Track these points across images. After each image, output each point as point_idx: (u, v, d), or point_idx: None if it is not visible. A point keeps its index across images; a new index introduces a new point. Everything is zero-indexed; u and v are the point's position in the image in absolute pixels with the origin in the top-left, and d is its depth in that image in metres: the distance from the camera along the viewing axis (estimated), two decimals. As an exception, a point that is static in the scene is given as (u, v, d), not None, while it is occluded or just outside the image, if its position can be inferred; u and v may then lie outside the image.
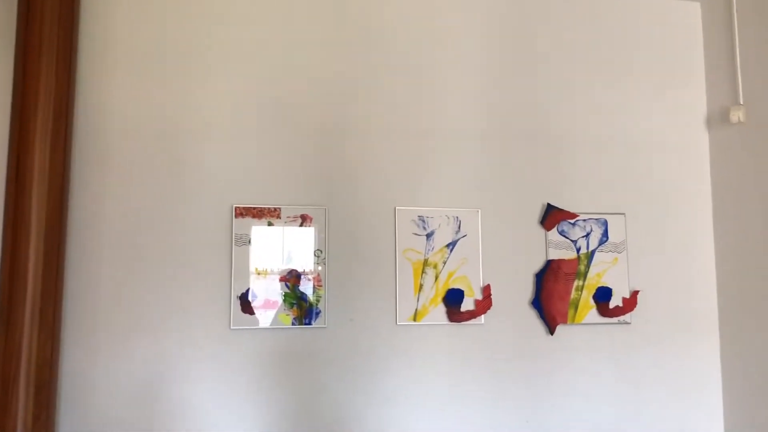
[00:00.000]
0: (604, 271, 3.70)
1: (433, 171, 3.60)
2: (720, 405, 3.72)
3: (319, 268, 3.41)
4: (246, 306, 3.31)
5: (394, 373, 3.43)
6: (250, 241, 3.35)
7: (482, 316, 3.54)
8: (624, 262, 3.73)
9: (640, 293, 3.71)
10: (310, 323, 3.37)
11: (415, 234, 3.53)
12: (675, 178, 3.86)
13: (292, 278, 3.38)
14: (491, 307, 3.55)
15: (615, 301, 3.69)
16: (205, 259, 3.32)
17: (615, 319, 3.68)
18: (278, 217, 3.40)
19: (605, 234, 3.72)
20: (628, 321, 3.69)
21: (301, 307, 3.37)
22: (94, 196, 3.26)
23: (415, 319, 3.47)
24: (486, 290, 3.55)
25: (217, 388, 3.26)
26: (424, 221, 3.54)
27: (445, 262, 3.54)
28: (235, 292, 3.31)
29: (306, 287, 3.39)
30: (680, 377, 3.71)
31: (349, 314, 3.43)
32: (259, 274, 3.35)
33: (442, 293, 3.51)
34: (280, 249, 3.39)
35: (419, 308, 3.48)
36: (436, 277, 3.52)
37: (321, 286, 3.41)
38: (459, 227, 3.57)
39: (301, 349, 3.36)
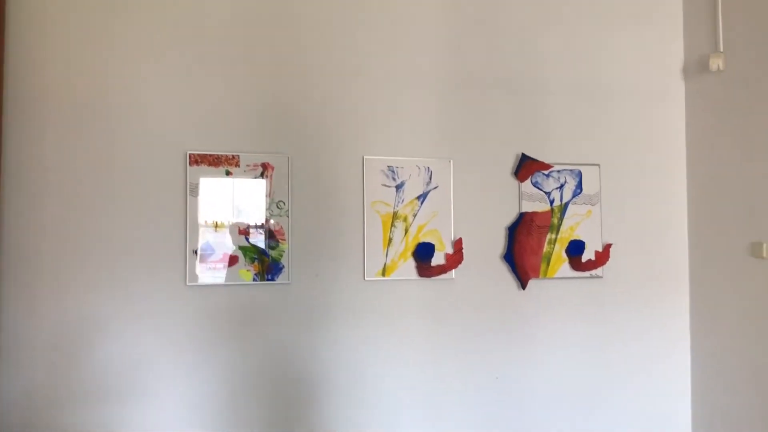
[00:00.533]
0: (577, 224, 3.58)
1: (403, 119, 3.38)
2: (688, 359, 3.70)
3: (282, 220, 3.19)
4: (203, 261, 3.08)
5: (361, 329, 3.27)
6: (204, 192, 3.10)
7: (453, 270, 3.38)
8: (597, 214, 3.61)
9: (612, 247, 3.62)
10: (272, 279, 3.16)
11: (385, 185, 3.33)
12: (650, 128, 3.74)
13: (252, 231, 3.15)
14: (462, 262, 3.40)
15: (587, 255, 3.58)
16: (158, 211, 3.06)
17: (587, 273, 3.58)
18: (237, 165, 3.15)
19: (579, 186, 3.59)
20: (600, 275, 3.60)
21: (263, 263, 3.16)
22: (32, 140, 2.95)
23: (383, 275, 3.30)
24: (457, 244, 3.39)
25: (173, 346, 3.04)
26: (393, 172, 3.34)
27: (415, 215, 3.36)
28: (191, 245, 3.07)
29: (268, 241, 3.16)
30: (650, 331, 3.66)
31: (314, 269, 3.23)
32: (217, 227, 3.11)
33: (411, 247, 3.34)
34: (240, 200, 3.15)
35: (388, 263, 3.31)
36: (406, 231, 3.34)
37: (284, 239, 3.19)
38: (430, 178, 3.39)
39: (264, 306, 3.16)
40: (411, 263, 3.34)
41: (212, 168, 3.12)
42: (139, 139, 3.06)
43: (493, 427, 3.41)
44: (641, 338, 3.64)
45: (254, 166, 3.17)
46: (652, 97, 3.74)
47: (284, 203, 3.19)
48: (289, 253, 3.19)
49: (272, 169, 3.19)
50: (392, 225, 3.32)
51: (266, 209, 3.17)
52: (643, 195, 3.70)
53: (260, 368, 3.14)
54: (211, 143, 3.14)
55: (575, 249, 3.57)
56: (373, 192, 3.31)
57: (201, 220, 3.09)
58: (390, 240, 3.31)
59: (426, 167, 3.38)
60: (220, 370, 3.10)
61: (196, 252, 3.07)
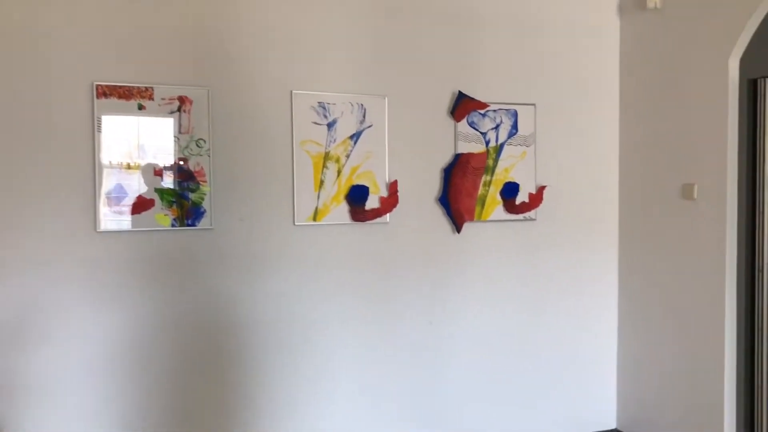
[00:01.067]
0: (512, 166, 3.48)
1: (335, 51, 3.13)
2: (615, 300, 3.72)
3: (203, 160, 2.91)
4: (114, 205, 2.78)
5: (290, 274, 3.07)
6: (114, 128, 2.77)
7: (388, 214, 3.22)
8: (532, 156, 3.52)
9: (546, 189, 3.54)
10: (193, 224, 2.90)
11: (315, 123, 3.09)
12: (586, 67, 3.64)
13: (169, 173, 2.86)
14: (397, 205, 3.23)
15: (521, 197, 3.50)
16: (63, 149, 2.71)
17: (521, 216, 3.50)
18: (150, 98, 2.83)
19: (515, 126, 3.47)
20: (534, 217, 3.53)
21: (183, 207, 2.88)
22: None
23: (315, 219, 3.09)
24: (392, 186, 3.22)
25: (85, 293, 2.75)
26: (325, 108, 3.10)
27: (348, 156, 3.15)
28: (102, 188, 2.76)
29: (188, 183, 2.88)
30: (580, 273, 3.64)
31: (239, 214, 2.98)
32: (129, 168, 2.80)
33: (345, 190, 3.14)
34: (154, 137, 2.84)
35: (320, 207, 3.10)
36: (339, 173, 3.13)
37: (205, 181, 2.92)
38: (364, 116, 3.17)
39: (184, 253, 2.90)
40: (344, 207, 3.14)
41: (123, 102, 2.78)
42: (41, 68, 2.68)
43: (427, 369, 3.33)
44: (572, 280, 3.62)
45: (170, 100, 2.85)
46: (587, 35, 3.63)
47: (204, 141, 2.91)
48: (211, 196, 2.92)
49: (191, 103, 2.88)
50: (324, 166, 3.10)
51: (184, 148, 2.88)
52: (577, 136, 3.63)
53: (182, 317, 2.90)
54: (122, 74, 2.79)
55: (509, 191, 3.47)
56: (302, 130, 3.06)
57: (110, 160, 2.76)
58: (321, 182, 3.10)
59: (359, 104, 3.16)
60: (136, 319, 2.84)
61: (108, 195, 2.76)
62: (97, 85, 2.74)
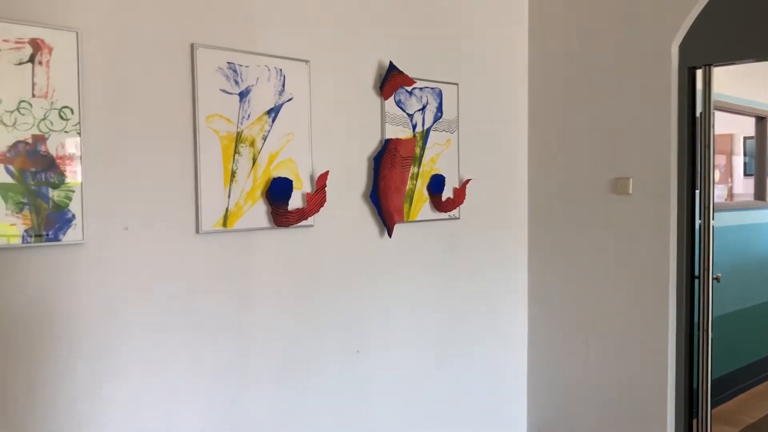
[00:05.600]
0: (437, 155, 2.92)
1: (246, -7, 2.30)
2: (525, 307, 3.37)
3: (70, 140, 1.92)
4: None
5: (197, 298, 2.19)
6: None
7: (313, 216, 2.47)
8: (455, 144, 3.00)
9: (470, 183, 3.05)
10: (56, 238, 1.90)
11: (224, 91, 2.24)
12: (496, 42, 3.21)
13: (18, 158, 1.83)
14: (324, 204, 2.50)
15: (447, 193, 2.97)
16: None
17: (446, 215, 2.97)
18: (-18, 40, 1.78)
19: (440, 108, 2.92)
20: (457, 216, 3.02)
21: (39, 211, 1.87)
22: None
23: (225, 224, 2.24)
24: (320, 180, 2.48)
25: None
26: (236, 72, 2.26)
27: (264, 138, 2.34)
28: None
29: (46, 174, 1.88)
30: (496, 276, 3.22)
31: (122, 221, 2.03)
32: (-50, 148, 1.73)
33: (262, 185, 2.33)
34: (-16, 103, 1.80)
35: (231, 207, 2.26)
36: (254, 160, 2.31)
37: (74, 172, 1.93)
38: (283, 86, 2.39)
39: (38, 285, 1.89)
40: (261, 207, 2.34)
41: (-64, 40, 1.70)
42: None
43: (352, 383, 2.65)
44: (487, 285, 3.17)
45: (18, 43, 1.82)
46: (496, 7, 3.20)
47: (72, 111, 1.92)
48: (83, 193, 1.94)
49: (50, 51, 1.87)
50: (236, 152, 2.27)
51: (40, 121, 1.87)
52: (496, 122, 3.20)
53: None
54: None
55: (436, 185, 2.92)
56: (208, 101, 2.20)
57: None
58: (233, 174, 2.26)
59: (277, 69, 2.37)
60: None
61: None
62: None
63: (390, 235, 2.72)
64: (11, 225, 1.82)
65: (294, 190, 2.41)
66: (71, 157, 1.92)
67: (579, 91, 3.14)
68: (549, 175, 3.27)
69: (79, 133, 1.93)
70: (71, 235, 1.92)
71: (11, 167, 1.82)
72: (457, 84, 2.99)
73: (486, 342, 3.17)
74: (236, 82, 2.26)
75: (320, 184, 2.48)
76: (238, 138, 2.27)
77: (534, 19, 3.30)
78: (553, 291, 3.27)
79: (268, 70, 2.34)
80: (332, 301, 2.56)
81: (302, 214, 2.42)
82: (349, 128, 2.61)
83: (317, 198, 2.47)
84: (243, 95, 2.28)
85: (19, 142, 1.83)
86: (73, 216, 1.92)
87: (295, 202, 2.42)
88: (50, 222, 1.88)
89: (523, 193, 3.33)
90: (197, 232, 2.18)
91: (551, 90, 3.25)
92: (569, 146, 3.19)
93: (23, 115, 1.83)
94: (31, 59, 1.85)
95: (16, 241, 1.83)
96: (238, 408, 2.30)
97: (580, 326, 3.18)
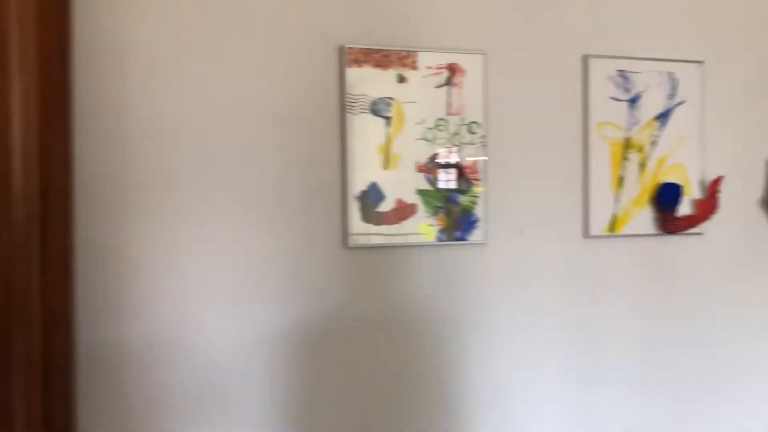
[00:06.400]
0: None
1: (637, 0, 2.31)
2: None
3: (477, 151, 2.15)
4: (368, 211, 2.06)
5: (582, 301, 2.28)
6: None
7: (703, 223, 2.38)
8: None
9: None
10: (463, 238, 2.15)
11: (614, 98, 2.28)
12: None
13: (435, 168, 2.12)
14: (716, 211, 2.38)
15: None
16: (306, 137, 2.02)
17: None
18: (413, 67, 2.09)
19: None
20: None
21: (451, 214, 2.13)
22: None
23: (612, 230, 2.28)
24: (713, 186, 2.37)
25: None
26: (626, 79, 2.28)
27: (653, 143, 2.32)
28: (351, 189, 2.04)
29: (457, 182, 2.13)
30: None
31: (517, 224, 2.21)
32: (389, 161, 2.07)
33: (650, 190, 2.32)
34: (417, 118, 2.10)
35: (618, 213, 2.29)
36: (642, 166, 2.31)
37: (479, 180, 2.16)
38: (674, 90, 2.33)
39: (448, 277, 2.16)
40: (647, 213, 2.32)
41: (379, 71, 2.05)
42: (278, 27, 1.99)
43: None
44: None
45: (438, 69, 2.11)
46: None
47: (479, 125, 2.15)
48: (486, 199, 2.16)
49: (462, 74, 2.12)
50: (624, 158, 2.29)
51: (453, 135, 2.13)
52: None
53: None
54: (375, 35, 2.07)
55: None
56: (598, 108, 2.26)
57: (364, 152, 2.05)
58: (621, 179, 2.29)
59: (668, 73, 2.32)
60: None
61: (360, 198, 2.04)
62: (349, 49, 2.02)
63: (792, 245, 2.48)
64: (429, 225, 2.11)
65: (683, 195, 2.34)
66: (476, 167, 2.15)
67: None
68: None
69: (485, 145, 2.15)
70: (476, 235, 2.15)
71: (430, 176, 2.11)
72: None
73: None
74: (626, 89, 2.28)
75: (712, 189, 2.36)
76: (627, 144, 2.29)
77: None
78: None
79: (659, 75, 2.31)
80: (714, 316, 2.42)
81: (690, 221, 2.34)
82: (745, 128, 2.44)
83: (708, 204, 2.36)
84: (632, 101, 2.29)
85: (435, 154, 2.11)
86: (477, 219, 2.15)
87: (683, 208, 2.35)
88: (459, 224, 2.14)
89: None
90: (585, 236, 2.26)
91: None
92: None
93: (441, 131, 2.11)
94: (448, 82, 2.11)
95: (432, 239, 2.12)
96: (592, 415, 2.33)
97: None
